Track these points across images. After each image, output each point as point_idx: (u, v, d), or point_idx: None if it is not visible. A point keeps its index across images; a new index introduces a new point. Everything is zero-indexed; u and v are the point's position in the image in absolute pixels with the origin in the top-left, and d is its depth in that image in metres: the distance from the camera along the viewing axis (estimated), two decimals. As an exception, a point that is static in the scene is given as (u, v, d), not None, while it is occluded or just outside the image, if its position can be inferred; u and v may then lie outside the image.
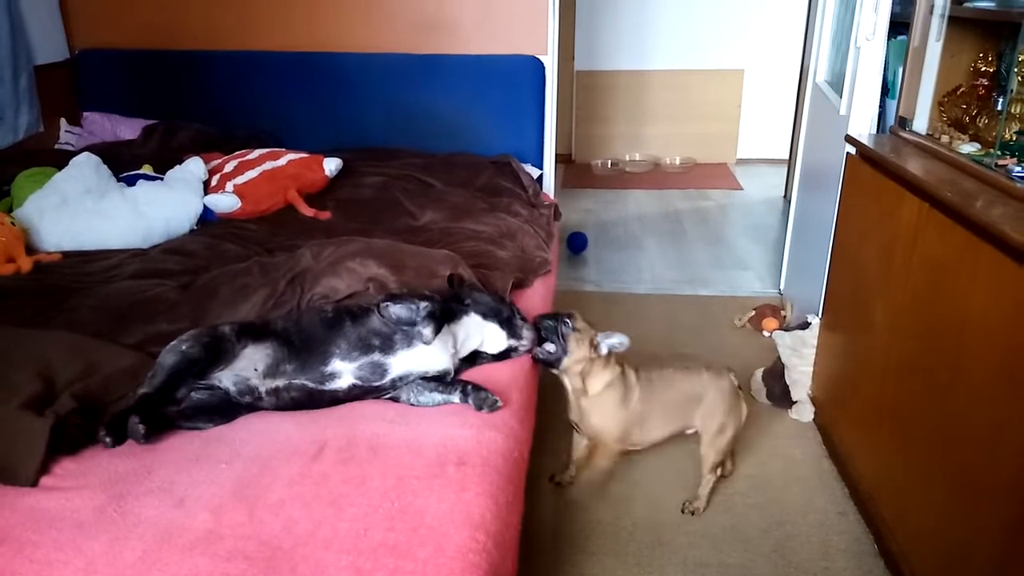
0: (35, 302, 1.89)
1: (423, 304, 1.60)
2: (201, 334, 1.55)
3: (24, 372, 1.45)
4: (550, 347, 1.81)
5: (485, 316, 1.74)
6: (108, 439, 1.37)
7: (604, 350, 1.85)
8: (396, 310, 1.60)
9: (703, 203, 4.99)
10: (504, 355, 1.77)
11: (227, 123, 3.35)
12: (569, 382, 1.91)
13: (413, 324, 1.60)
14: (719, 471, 2.06)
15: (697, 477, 2.06)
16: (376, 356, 1.57)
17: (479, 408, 1.54)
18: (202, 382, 1.51)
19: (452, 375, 1.64)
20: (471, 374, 1.68)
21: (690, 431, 2.03)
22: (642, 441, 1.99)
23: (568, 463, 2.13)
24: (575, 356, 1.83)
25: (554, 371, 1.88)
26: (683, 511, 2.03)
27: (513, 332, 1.77)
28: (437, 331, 1.59)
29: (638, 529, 1.99)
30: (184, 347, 1.51)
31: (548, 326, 1.83)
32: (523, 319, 1.82)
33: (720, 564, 1.88)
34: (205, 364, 1.51)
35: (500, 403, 1.55)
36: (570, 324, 1.82)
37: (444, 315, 1.64)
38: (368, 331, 1.59)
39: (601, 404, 1.90)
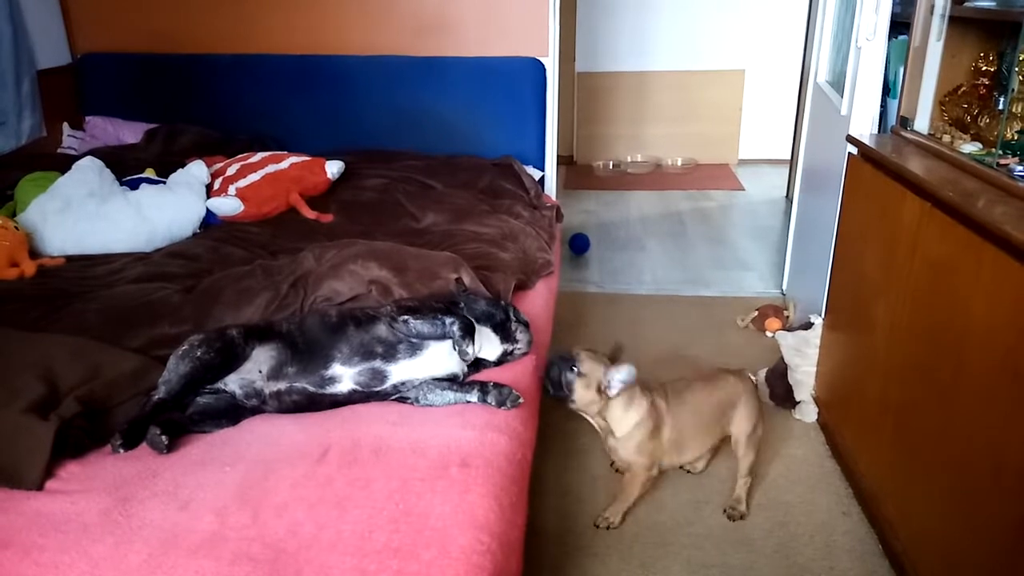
0: (39, 306, 1.89)
1: (449, 320, 1.58)
2: (212, 339, 1.53)
3: (28, 376, 1.45)
4: (559, 389, 1.75)
5: (479, 321, 1.68)
6: (121, 448, 1.38)
7: (615, 391, 1.76)
8: (417, 325, 1.58)
9: (705, 204, 4.99)
10: (502, 360, 1.73)
11: (229, 126, 3.36)
12: (592, 421, 1.85)
13: (434, 338, 1.58)
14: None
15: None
16: (377, 363, 1.56)
17: (501, 405, 1.52)
18: (209, 386, 1.51)
19: (463, 378, 1.62)
20: (477, 377, 1.67)
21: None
22: (681, 461, 1.97)
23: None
24: (582, 400, 1.77)
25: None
26: (729, 518, 2.00)
27: (507, 336, 1.72)
28: (472, 345, 1.58)
29: (641, 530, 1.98)
30: (199, 352, 1.50)
31: (553, 372, 1.76)
32: (519, 321, 1.76)
33: (723, 565, 1.87)
34: (220, 369, 1.51)
35: (522, 399, 1.54)
36: (576, 369, 1.74)
37: (471, 327, 1.61)
38: (372, 338, 1.58)
39: (629, 441, 1.83)
